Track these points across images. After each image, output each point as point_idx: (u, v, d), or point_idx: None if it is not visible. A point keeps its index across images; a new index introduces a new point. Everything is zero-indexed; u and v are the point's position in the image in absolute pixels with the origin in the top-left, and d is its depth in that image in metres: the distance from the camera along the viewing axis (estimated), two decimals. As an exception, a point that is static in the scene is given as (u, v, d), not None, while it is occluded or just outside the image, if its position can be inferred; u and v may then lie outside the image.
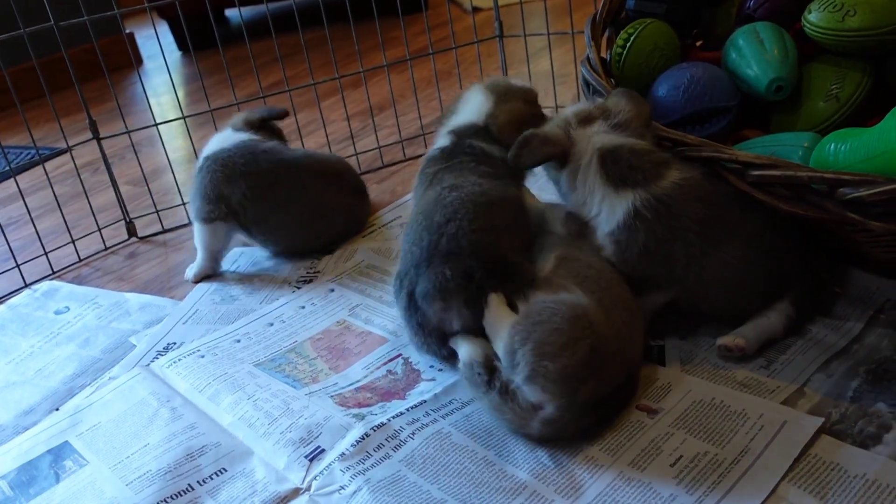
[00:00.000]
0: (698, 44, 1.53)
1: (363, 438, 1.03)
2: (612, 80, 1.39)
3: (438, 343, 1.14)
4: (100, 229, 1.78)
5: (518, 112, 1.27)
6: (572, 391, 0.95)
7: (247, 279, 1.52)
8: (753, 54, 1.24)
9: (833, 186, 0.95)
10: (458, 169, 1.20)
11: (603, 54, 1.44)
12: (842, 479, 0.86)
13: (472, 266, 1.09)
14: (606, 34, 1.47)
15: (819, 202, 0.97)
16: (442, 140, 1.29)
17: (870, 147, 0.98)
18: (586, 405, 0.96)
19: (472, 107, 1.29)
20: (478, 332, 1.10)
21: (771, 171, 1.00)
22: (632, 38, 1.36)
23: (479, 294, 1.09)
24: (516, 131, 1.17)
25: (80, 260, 1.74)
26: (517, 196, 1.22)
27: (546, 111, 1.97)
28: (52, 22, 1.66)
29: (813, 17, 1.20)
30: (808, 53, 1.27)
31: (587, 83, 1.32)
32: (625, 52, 1.36)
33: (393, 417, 1.06)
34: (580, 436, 0.98)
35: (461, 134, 1.26)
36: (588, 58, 1.36)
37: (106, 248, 1.78)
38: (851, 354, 1.05)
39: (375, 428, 1.05)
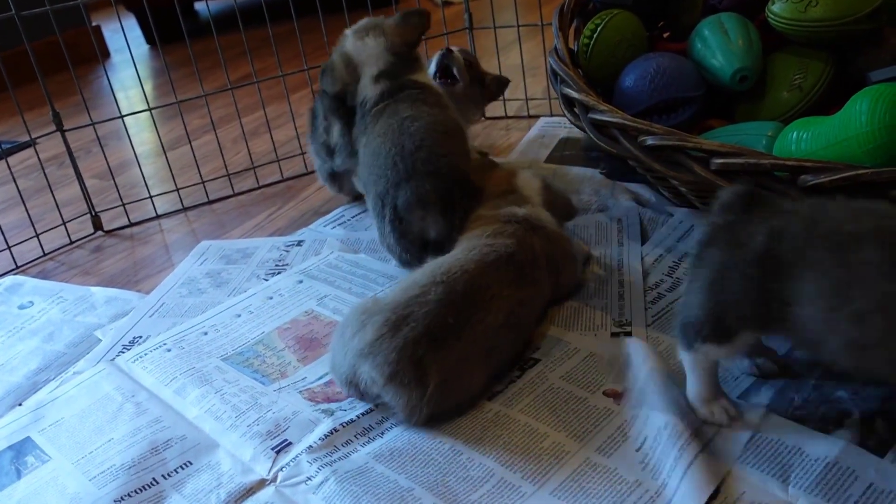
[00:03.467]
0: (665, 35, 1.54)
1: (332, 433, 1.03)
2: (580, 71, 1.39)
3: (420, 250, 1.28)
4: (64, 223, 1.76)
5: (403, 29, 1.40)
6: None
7: (214, 272, 1.51)
8: (718, 45, 1.25)
9: (795, 173, 0.96)
10: (408, 101, 1.32)
11: (571, 45, 1.45)
12: (803, 462, 0.87)
13: (449, 184, 1.24)
14: (574, 25, 1.48)
15: (782, 189, 0.99)
16: (371, 89, 1.38)
17: (830, 135, 1.00)
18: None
19: (371, 54, 1.39)
20: (452, 239, 1.22)
21: (735, 158, 1.01)
22: (599, 29, 1.37)
23: (452, 206, 1.24)
24: (417, 35, 1.40)
25: (45, 254, 1.72)
26: (461, 125, 1.39)
27: (516, 103, 1.98)
28: (14, 12, 1.63)
29: (776, 8, 1.22)
30: (772, 44, 1.28)
31: (555, 74, 1.33)
32: (592, 43, 1.37)
33: (362, 415, 1.06)
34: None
35: (392, 75, 1.37)
36: (556, 48, 1.37)
37: (71, 242, 1.76)
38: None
39: (345, 424, 1.04)
